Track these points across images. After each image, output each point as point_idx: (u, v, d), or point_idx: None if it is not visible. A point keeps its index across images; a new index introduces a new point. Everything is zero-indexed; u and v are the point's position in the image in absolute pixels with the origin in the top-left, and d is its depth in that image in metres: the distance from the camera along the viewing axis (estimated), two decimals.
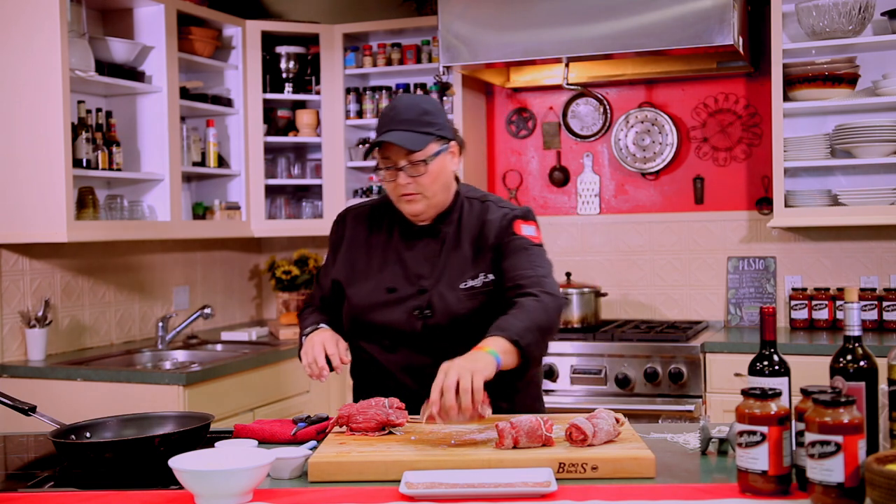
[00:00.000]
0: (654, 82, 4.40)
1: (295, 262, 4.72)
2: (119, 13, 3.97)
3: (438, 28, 3.90)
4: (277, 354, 3.87)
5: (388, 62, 4.51)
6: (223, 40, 4.39)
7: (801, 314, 4.05)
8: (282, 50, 4.54)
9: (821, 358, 3.29)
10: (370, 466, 1.76)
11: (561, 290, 4.05)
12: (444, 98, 4.37)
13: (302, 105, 4.65)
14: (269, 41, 4.52)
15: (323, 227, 4.13)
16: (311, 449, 1.89)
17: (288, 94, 4.53)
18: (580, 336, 3.91)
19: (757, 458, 1.57)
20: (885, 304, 3.91)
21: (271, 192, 4.60)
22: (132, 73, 3.84)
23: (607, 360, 3.80)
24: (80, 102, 3.66)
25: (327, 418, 2.12)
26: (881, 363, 1.64)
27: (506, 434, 1.81)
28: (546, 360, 3.70)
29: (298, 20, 4.65)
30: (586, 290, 4.13)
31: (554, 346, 3.79)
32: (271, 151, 4.64)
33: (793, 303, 4.07)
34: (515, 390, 2.25)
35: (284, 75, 4.54)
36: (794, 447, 1.60)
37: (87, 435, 2.00)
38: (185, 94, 4.07)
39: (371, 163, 4.32)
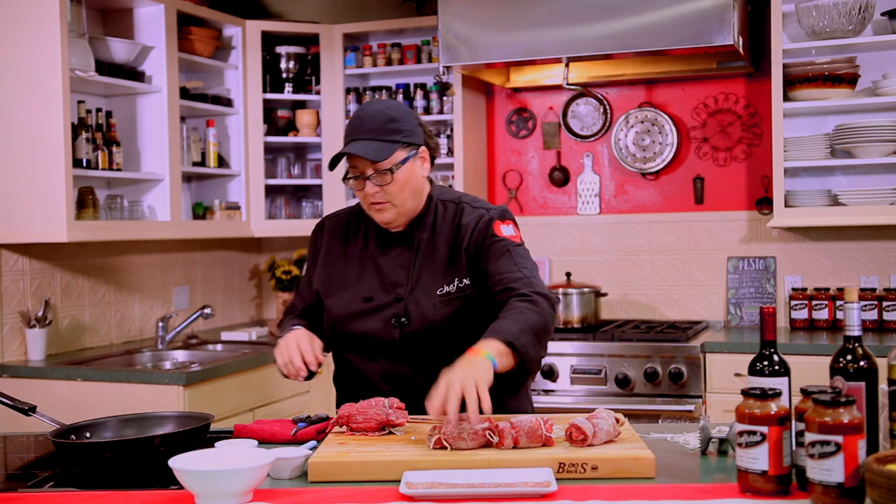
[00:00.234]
0: (654, 82, 4.40)
1: (295, 262, 4.73)
2: (119, 13, 3.97)
3: (438, 28, 3.90)
4: None
5: (388, 62, 4.51)
6: (223, 40, 4.39)
7: (801, 314, 4.05)
8: (282, 50, 4.54)
9: (821, 358, 3.30)
10: (370, 466, 1.76)
11: (561, 290, 4.12)
12: (445, 98, 4.38)
13: (302, 105, 4.65)
14: (269, 41, 4.52)
15: None
16: (311, 449, 1.89)
17: (288, 94, 4.53)
18: (580, 336, 3.91)
19: (757, 458, 1.57)
20: (885, 304, 3.91)
21: (271, 192, 4.60)
22: (132, 73, 3.84)
23: (607, 360, 3.80)
24: (80, 102, 3.66)
25: (327, 418, 2.12)
26: (881, 363, 1.64)
27: (506, 434, 1.81)
28: (546, 360, 3.70)
29: (298, 20, 4.65)
30: (586, 290, 4.13)
31: (554, 346, 3.80)
32: (271, 151, 4.64)
33: (793, 303, 4.07)
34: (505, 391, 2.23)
35: (284, 75, 4.54)
36: (794, 447, 1.60)
37: (87, 435, 1.99)
38: (185, 94, 4.07)
39: None
